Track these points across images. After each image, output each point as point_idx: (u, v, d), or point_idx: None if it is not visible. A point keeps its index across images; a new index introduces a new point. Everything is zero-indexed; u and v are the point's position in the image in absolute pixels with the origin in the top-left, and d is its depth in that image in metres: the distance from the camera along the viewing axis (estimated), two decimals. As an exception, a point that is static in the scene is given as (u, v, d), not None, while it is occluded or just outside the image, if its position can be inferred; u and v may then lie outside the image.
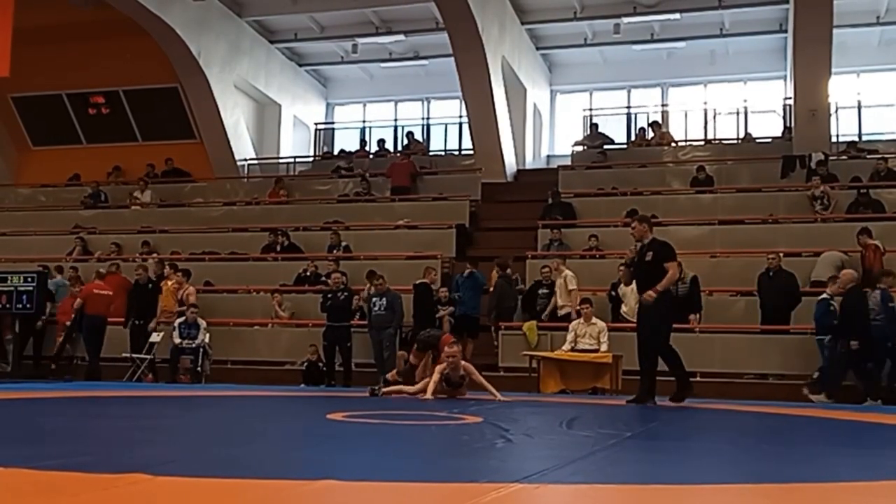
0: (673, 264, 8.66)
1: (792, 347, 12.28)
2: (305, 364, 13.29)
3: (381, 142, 21.63)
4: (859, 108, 20.01)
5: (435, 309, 13.30)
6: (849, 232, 14.08)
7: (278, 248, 16.36)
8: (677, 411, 8.44)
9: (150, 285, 14.08)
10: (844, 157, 17.32)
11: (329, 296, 13.20)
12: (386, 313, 12.85)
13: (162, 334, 13.69)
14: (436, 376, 9.27)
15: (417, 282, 13.47)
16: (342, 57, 22.64)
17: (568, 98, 22.88)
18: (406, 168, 18.69)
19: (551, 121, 22.68)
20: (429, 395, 9.08)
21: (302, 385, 12.93)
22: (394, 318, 12.88)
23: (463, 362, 9.46)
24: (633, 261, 9.15)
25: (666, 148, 19.42)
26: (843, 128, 19.30)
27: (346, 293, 13.23)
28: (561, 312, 13.20)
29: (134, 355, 13.58)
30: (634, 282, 9.33)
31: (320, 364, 13.18)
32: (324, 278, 14.41)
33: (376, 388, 9.91)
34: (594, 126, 20.35)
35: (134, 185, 19.83)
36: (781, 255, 12.96)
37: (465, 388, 9.46)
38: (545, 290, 13.57)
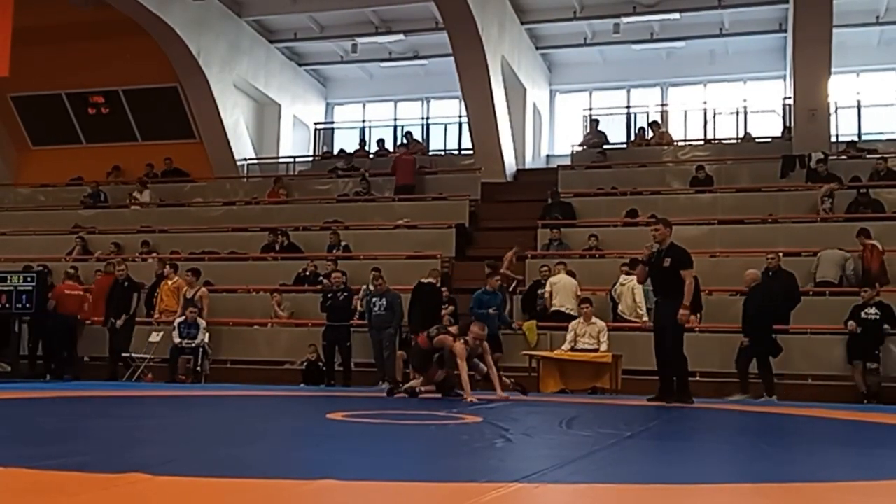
0: (689, 272, 8.89)
1: (792, 347, 12.28)
2: (305, 364, 13.29)
3: (381, 142, 21.64)
4: (859, 107, 20.01)
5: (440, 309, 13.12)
6: (849, 232, 14.08)
7: (277, 247, 16.36)
8: (677, 411, 8.45)
9: (126, 283, 14.01)
10: (844, 157, 17.31)
11: (329, 295, 13.20)
12: (386, 313, 12.83)
13: (161, 334, 13.69)
14: (463, 364, 9.14)
15: (424, 281, 13.11)
16: (342, 57, 22.64)
17: (567, 98, 22.88)
18: (410, 164, 18.63)
19: (551, 121, 22.68)
20: (469, 397, 8.84)
21: (302, 385, 12.92)
22: (394, 318, 12.86)
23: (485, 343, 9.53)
24: (650, 261, 9.24)
25: (666, 148, 19.42)
26: (843, 127, 19.28)
27: (346, 293, 13.22)
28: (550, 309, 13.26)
29: (134, 355, 13.59)
30: (650, 280, 9.46)
31: (320, 364, 13.17)
32: (321, 278, 14.38)
33: (396, 388, 9.80)
34: (595, 122, 20.37)
35: (133, 186, 19.83)
36: (781, 254, 12.97)
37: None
38: (544, 290, 13.57)
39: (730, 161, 18.05)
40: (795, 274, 12.71)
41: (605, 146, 19.60)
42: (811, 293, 12.95)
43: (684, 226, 15.27)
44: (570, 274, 13.55)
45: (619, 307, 13.00)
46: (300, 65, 22.95)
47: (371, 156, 21.00)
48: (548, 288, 13.25)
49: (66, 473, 3.30)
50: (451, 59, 18.27)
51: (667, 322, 9.00)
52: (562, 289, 13.12)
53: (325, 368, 13.09)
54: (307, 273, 15.05)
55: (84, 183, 20.56)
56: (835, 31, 16.42)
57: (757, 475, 3.97)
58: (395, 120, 23.40)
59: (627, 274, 13.04)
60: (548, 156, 22.06)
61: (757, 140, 19.30)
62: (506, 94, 19.03)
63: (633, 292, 12.81)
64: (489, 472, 3.79)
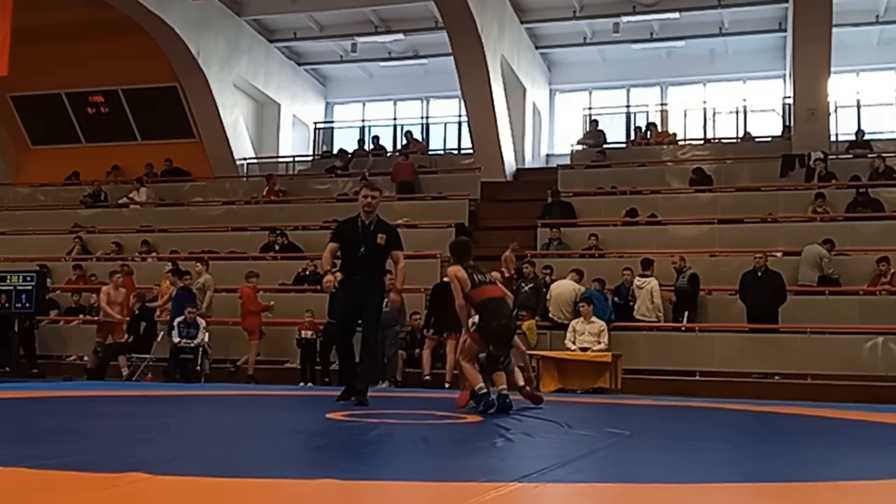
0: (401, 254, 7.95)
1: (792, 347, 12.30)
2: (303, 341, 13.05)
3: (376, 138, 21.62)
4: (858, 107, 20.01)
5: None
6: (848, 231, 14.12)
7: (276, 247, 16.35)
8: (676, 410, 8.44)
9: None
10: (845, 156, 17.32)
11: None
12: (390, 311, 12.73)
13: (161, 334, 13.68)
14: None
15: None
16: (341, 56, 22.64)
17: (567, 97, 22.88)
18: (409, 166, 18.68)
19: (551, 120, 22.68)
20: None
21: (295, 362, 13.01)
22: (398, 316, 12.78)
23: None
24: (339, 231, 7.98)
25: (665, 147, 19.44)
26: (843, 127, 19.29)
27: None
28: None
29: (135, 355, 13.58)
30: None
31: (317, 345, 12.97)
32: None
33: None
34: (594, 122, 20.37)
35: (131, 185, 19.81)
36: (767, 255, 13.01)
37: None
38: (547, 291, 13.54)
39: (729, 160, 18.06)
40: (782, 273, 12.74)
41: (605, 145, 19.60)
42: (810, 292, 12.96)
43: (684, 225, 15.33)
44: (579, 273, 13.47)
45: (637, 308, 12.98)
46: (300, 64, 22.95)
47: (370, 155, 20.99)
48: (549, 294, 13.24)
49: (66, 473, 3.30)
50: (451, 58, 18.27)
51: (371, 303, 7.86)
52: (558, 297, 13.10)
53: (319, 368, 12.98)
54: (307, 273, 15.04)
55: (84, 182, 20.58)
56: (834, 30, 16.43)
57: (757, 475, 3.97)
58: (395, 119, 23.40)
59: (642, 276, 13.05)
60: (547, 155, 22.07)
61: (756, 139, 19.32)
62: (505, 94, 19.03)
63: (651, 294, 12.82)
64: (489, 471, 3.78)
